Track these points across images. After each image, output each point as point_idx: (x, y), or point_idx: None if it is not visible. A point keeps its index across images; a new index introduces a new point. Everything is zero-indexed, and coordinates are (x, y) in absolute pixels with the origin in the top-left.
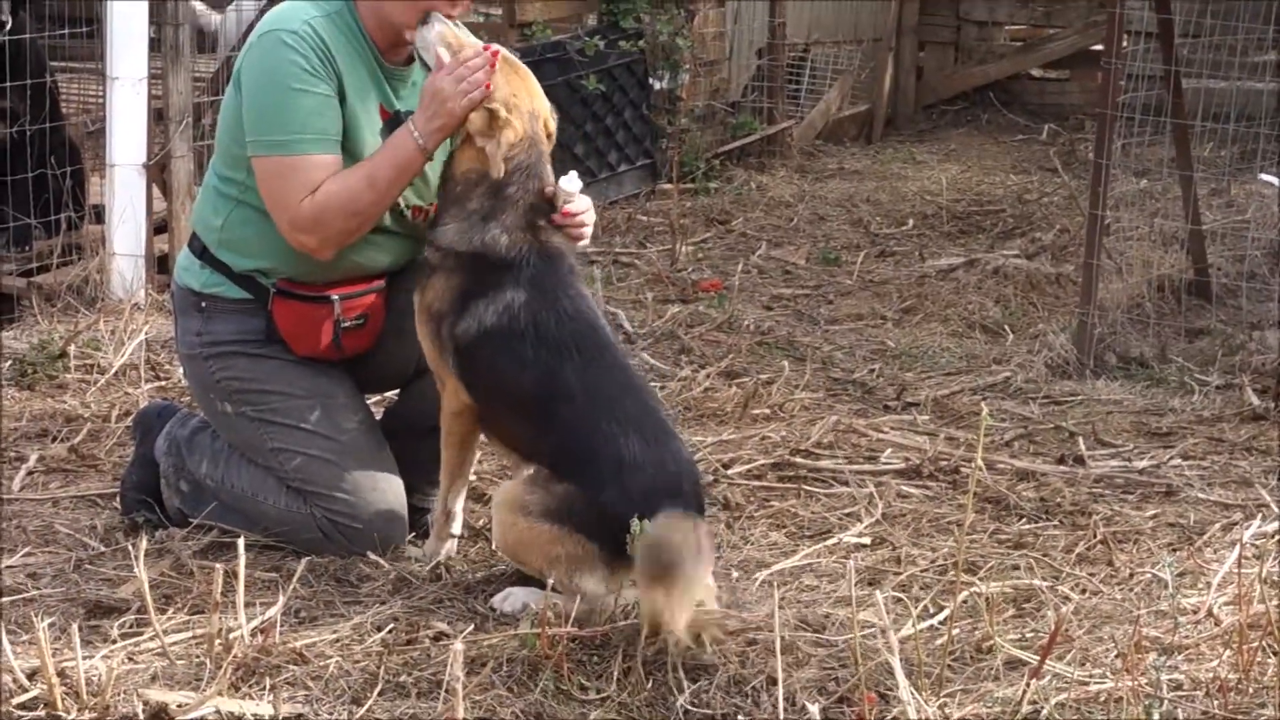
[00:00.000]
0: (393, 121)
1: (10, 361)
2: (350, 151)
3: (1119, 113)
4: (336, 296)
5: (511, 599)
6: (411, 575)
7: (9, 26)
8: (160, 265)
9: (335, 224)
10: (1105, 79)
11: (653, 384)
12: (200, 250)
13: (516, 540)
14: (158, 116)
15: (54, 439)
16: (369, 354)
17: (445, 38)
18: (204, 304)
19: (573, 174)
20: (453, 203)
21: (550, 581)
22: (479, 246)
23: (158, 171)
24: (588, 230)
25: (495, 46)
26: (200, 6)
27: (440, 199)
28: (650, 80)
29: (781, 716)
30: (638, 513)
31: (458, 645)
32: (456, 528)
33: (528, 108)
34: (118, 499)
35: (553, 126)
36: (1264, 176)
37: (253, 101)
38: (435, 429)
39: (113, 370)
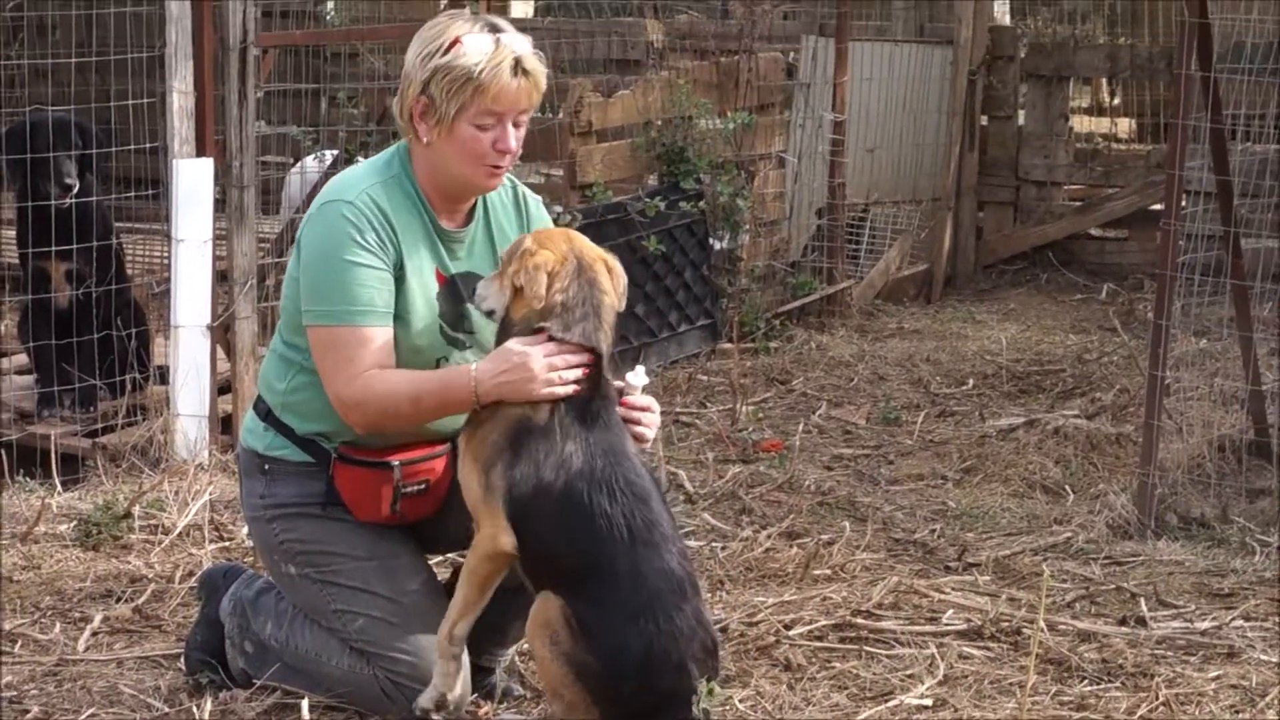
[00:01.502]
0: (449, 285)
1: (75, 522)
2: (404, 320)
3: (1178, 273)
4: (397, 462)
5: None
6: None
7: (76, 189)
8: (224, 426)
9: (373, 417)
10: (1164, 239)
11: (714, 544)
12: (265, 413)
13: (537, 655)
14: (221, 278)
15: (118, 599)
16: (432, 517)
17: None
18: (268, 466)
19: (639, 368)
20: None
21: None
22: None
23: (222, 333)
24: (649, 430)
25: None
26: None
27: (496, 343)
28: (710, 240)
29: None
30: (653, 711)
31: None
32: (461, 650)
33: (565, 247)
34: (182, 659)
35: (616, 265)
36: None
37: (308, 272)
38: (502, 589)
39: (177, 531)
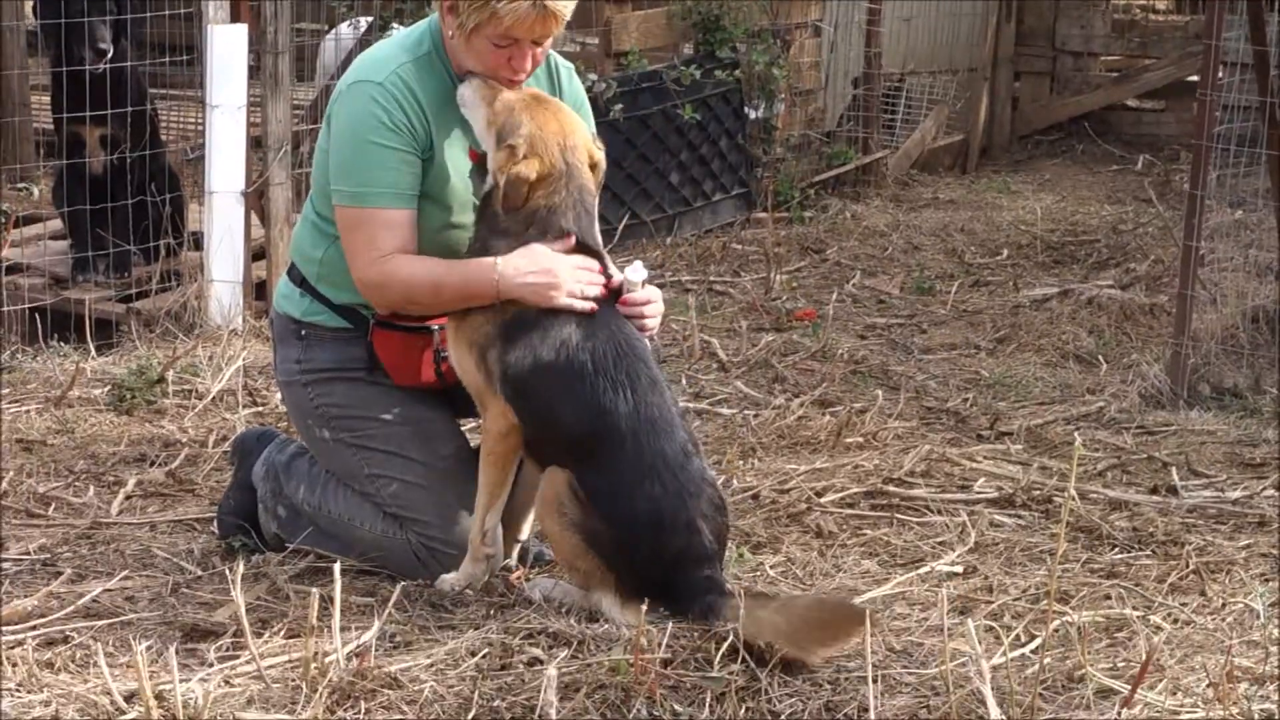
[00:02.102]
0: (482, 163)
1: (109, 387)
2: (437, 198)
3: (1214, 144)
4: (436, 327)
5: (539, 587)
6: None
7: (110, 54)
8: (258, 292)
9: (393, 299)
10: (1201, 110)
11: (746, 412)
12: (300, 280)
13: (548, 531)
14: (256, 144)
15: (151, 464)
16: None
17: (479, 92)
18: (304, 332)
19: (637, 263)
20: (492, 232)
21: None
22: None
23: (255, 199)
24: (651, 321)
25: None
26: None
27: (478, 224)
28: (746, 109)
29: None
30: (664, 575)
31: (551, 671)
32: (493, 548)
33: (556, 145)
34: (215, 523)
35: (599, 156)
36: None
37: (336, 151)
38: None
39: (210, 396)
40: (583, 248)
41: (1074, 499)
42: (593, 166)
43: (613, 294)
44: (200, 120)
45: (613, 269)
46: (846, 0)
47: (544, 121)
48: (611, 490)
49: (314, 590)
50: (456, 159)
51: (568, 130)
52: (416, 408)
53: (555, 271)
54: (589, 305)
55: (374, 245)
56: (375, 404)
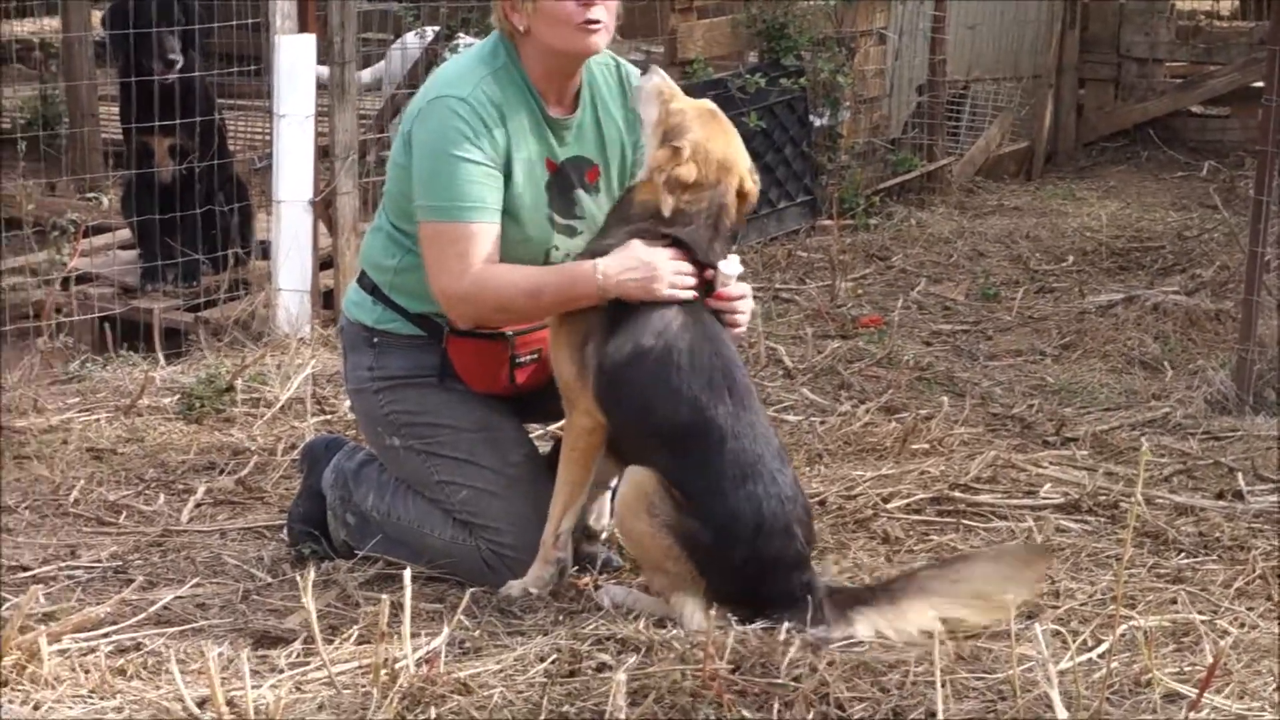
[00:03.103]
0: (558, 174)
1: (178, 395)
2: (513, 212)
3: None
4: (511, 332)
5: (609, 595)
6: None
7: (179, 65)
8: (325, 301)
9: (484, 312)
10: (1265, 115)
11: (812, 419)
12: (372, 288)
13: (635, 533)
14: (323, 153)
15: (221, 471)
16: (541, 387)
17: (660, 90)
18: (376, 339)
19: (734, 258)
20: (622, 223)
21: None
22: None
23: (323, 208)
24: (743, 317)
25: (706, 103)
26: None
27: (609, 218)
28: (811, 117)
29: None
30: (761, 577)
31: (620, 677)
32: (565, 552)
33: (717, 159)
34: (284, 531)
35: (751, 186)
36: None
37: (420, 166)
38: (606, 455)
39: (279, 404)
40: (694, 263)
41: (1140, 504)
42: (742, 195)
43: (706, 290)
44: (267, 130)
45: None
46: (912, 5)
47: (712, 134)
48: (711, 489)
49: (384, 597)
50: (533, 171)
51: (731, 151)
52: (487, 415)
53: (655, 265)
54: (690, 294)
55: (462, 258)
56: (446, 411)
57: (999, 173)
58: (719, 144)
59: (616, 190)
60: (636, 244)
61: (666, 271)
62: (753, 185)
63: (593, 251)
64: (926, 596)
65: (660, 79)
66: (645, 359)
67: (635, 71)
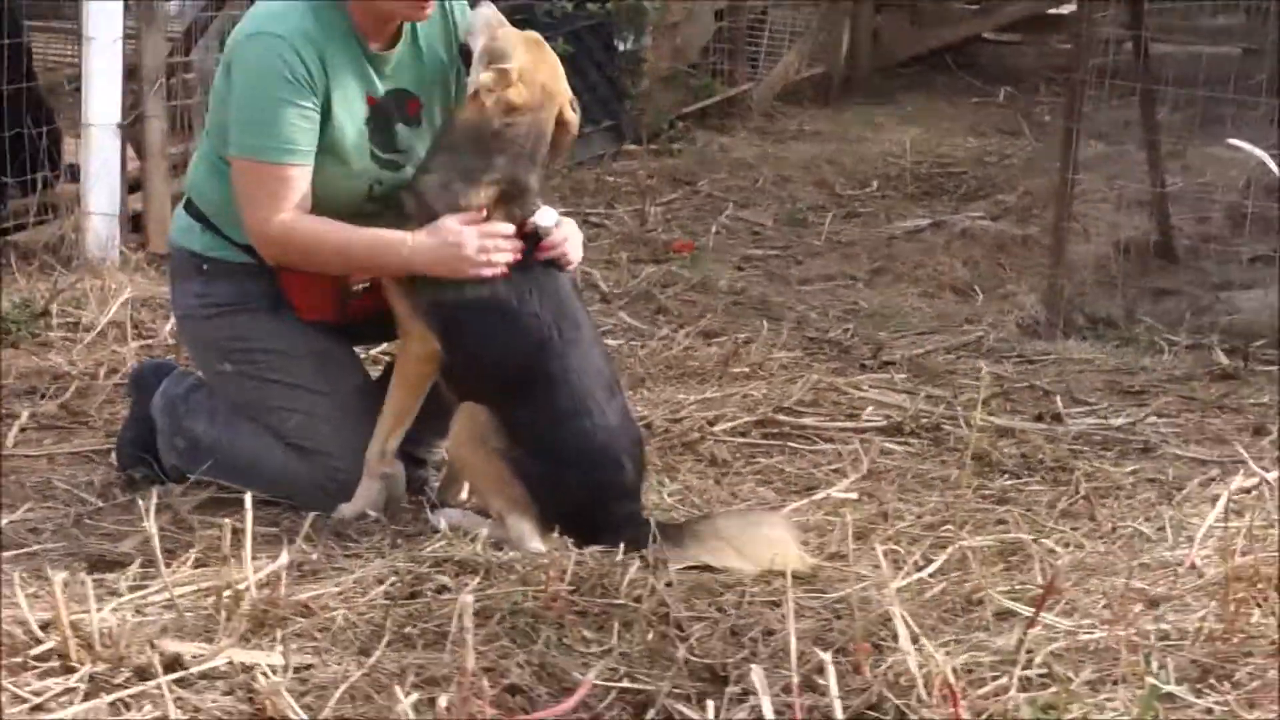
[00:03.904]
0: (378, 107)
1: None
2: (335, 150)
3: (1088, 77)
4: None
5: (446, 517)
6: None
7: None
8: (134, 224)
9: (291, 258)
10: (1076, 42)
11: (632, 343)
12: (199, 215)
13: (469, 460)
14: (130, 75)
15: (43, 396)
16: (371, 315)
17: (489, 20)
18: (205, 266)
19: (545, 209)
20: (443, 150)
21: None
22: (458, 207)
23: (131, 131)
24: (573, 254)
25: (532, 33)
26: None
27: (433, 142)
28: (615, 42)
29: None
30: (588, 508)
31: (466, 598)
32: (392, 469)
33: (543, 82)
34: (114, 455)
35: (570, 115)
36: (1233, 142)
37: (237, 103)
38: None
39: (98, 328)
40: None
41: (977, 421)
42: (561, 123)
43: (531, 239)
44: (71, 52)
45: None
46: None
47: (537, 60)
48: (542, 424)
49: (225, 520)
50: (353, 109)
51: (554, 78)
52: (319, 340)
53: (462, 245)
54: (499, 270)
55: (274, 199)
56: (277, 337)
57: (798, 98)
58: (544, 70)
59: (439, 119)
60: (445, 221)
61: (473, 250)
62: (572, 115)
63: (414, 185)
64: (724, 540)
65: (490, 11)
66: (474, 307)
67: (460, 3)
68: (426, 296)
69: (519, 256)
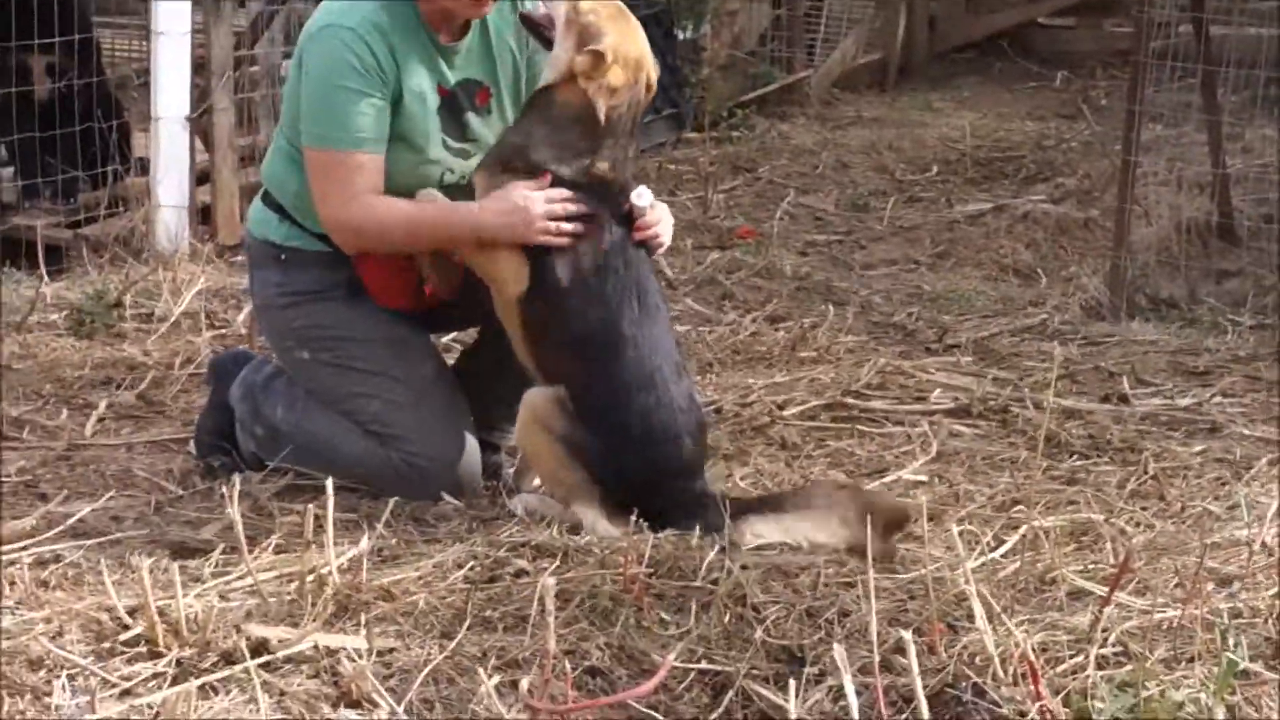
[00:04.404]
0: (450, 99)
1: (66, 311)
2: (408, 139)
3: (1150, 59)
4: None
5: (523, 502)
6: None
7: None
8: (203, 216)
9: (368, 242)
10: (1138, 27)
11: (700, 329)
12: (276, 206)
13: (535, 448)
14: (197, 69)
15: (119, 386)
16: (450, 301)
17: None
18: (283, 255)
19: (642, 188)
20: (545, 123)
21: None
22: (579, 177)
23: (199, 124)
24: (665, 239)
25: (616, 3)
26: None
27: (527, 113)
28: (675, 30)
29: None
30: (649, 485)
31: (549, 581)
32: None
33: (635, 57)
34: (192, 443)
35: (654, 78)
36: None
37: (308, 94)
38: (514, 366)
39: (171, 319)
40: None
41: (1041, 408)
42: (648, 88)
43: (626, 219)
44: (141, 48)
45: (634, 196)
46: None
47: (627, 34)
48: (605, 401)
49: (308, 506)
50: (425, 99)
51: (643, 50)
52: (395, 328)
53: (529, 210)
54: (565, 240)
55: (346, 186)
56: (355, 324)
57: (855, 84)
58: (633, 43)
59: (509, 109)
60: (512, 187)
61: (539, 215)
62: (655, 76)
63: (501, 147)
64: (806, 515)
65: None
66: (569, 259)
67: None
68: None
69: (586, 226)
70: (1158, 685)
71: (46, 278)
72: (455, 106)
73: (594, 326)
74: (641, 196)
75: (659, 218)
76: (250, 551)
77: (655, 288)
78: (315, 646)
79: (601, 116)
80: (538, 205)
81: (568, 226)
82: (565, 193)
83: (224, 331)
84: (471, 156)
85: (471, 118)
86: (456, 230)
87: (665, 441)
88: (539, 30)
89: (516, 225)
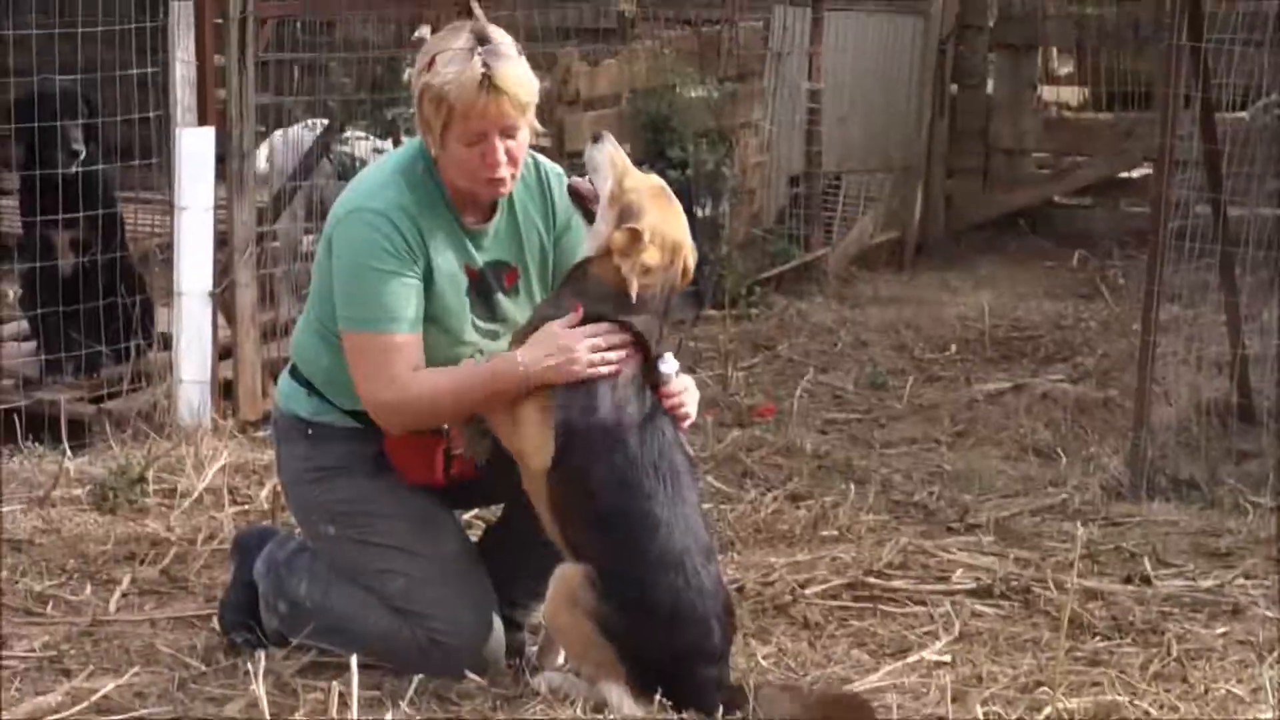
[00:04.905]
0: (479, 280)
1: (89, 486)
2: (439, 319)
3: (1169, 240)
4: (446, 425)
5: (546, 681)
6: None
7: (83, 156)
8: (225, 391)
9: (412, 418)
10: (1155, 208)
11: (721, 506)
12: (305, 381)
13: (561, 623)
14: (219, 244)
15: (142, 561)
16: (473, 477)
17: (614, 160)
18: (310, 430)
19: (668, 355)
20: (577, 296)
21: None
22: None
23: (221, 299)
24: (689, 409)
25: (656, 180)
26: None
27: (563, 285)
28: (694, 208)
29: None
30: (675, 668)
31: None
32: None
33: (672, 239)
34: (216, 620)
35: (691, 263)
36: None
37: (340, 278)
38: (538, 543)
39: (194, 494)
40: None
41: (1066, 591)
42: (684, 273)
43: (650, 387)
44: (159, 223)
45: (660, 365)
46: (786, 98)
47: (667, 216)
48: (634, 577)
49: (333, 683)
50: (455, 279)
51: (681, 232)
52: (421, 504)
53: (572, 349)
54: (612, 369)
55: (385, 370)
56: (381, 500)
57: (873, 262)
58: (673, 225)
59: (537, 290)
60: (553, 327)
61: (583, 352)
62: (693, 262)
63: (534, 320)
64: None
65: (612, 148)
66: (599, 431)
67: (554, 168)
68: (559, 411)
69: (627, 358)
70: None
71: (69, 452)
72: (484, 288)
73: (622, 505)
74: (666, 363)
75: (684, 387)
76: None
77: (686, 468)
78: None
79: (633, 295)
80: (580, 343)
81: (612, 355)
82: (601, 325)
83: (247, 507)
84: (500, 338)
85: (500, 299)
86: (504, 384)
87: (693, 625)
88: (585, 204)
89: (562, 364)
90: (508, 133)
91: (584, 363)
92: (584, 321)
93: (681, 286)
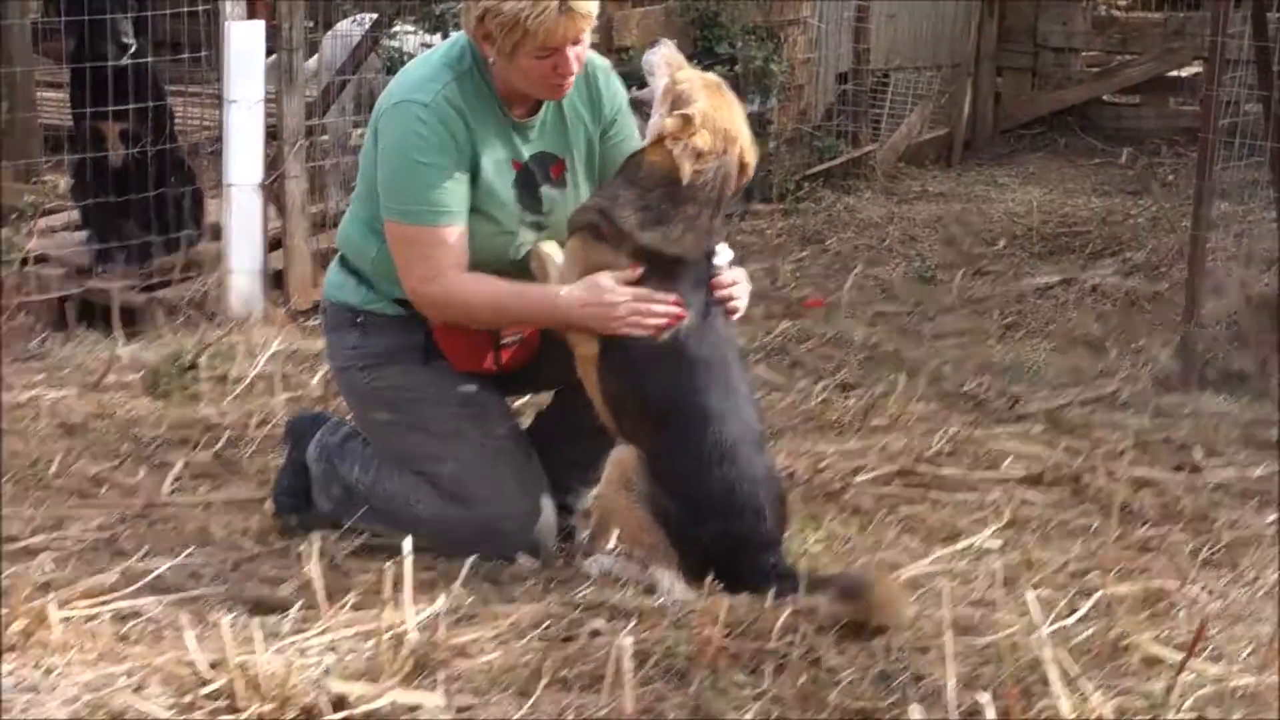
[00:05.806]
0: (524, 172)
1: (142, 372)
2: (485, 210)
3: (1219, 137)
4: None
5: (598, 564)
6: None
7: (133, 49)
8: (275, 281)
9: (450, 318)
10: (1206, 105)
11: (771, 396)
12: (353, 271)
13: (614, 508)
14: (270, 137)
15: (195, 446)
16: (523, 366)
17: (669, 60)
18: (360, 319)
19: (722, 246)
20: (632, 185)
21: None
22: (656, 243)
23: (270, 191)
24: (740, 302)
25: (713, 76)
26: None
27: (618, 175)
28: (742, 103)
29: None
30: (728, 555)
31: (625, 641)
32: None
33: (724, 127)
34: (268, 503)
35: (750, 158)
36: None
37: (385, 169)
38: (588, 430)
39: (246, 381)
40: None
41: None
42: (743, 166)
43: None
44: (208, 117)
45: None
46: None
47: (718, 105)
48: (689, 468)
49: (386, 565)
50: (501, 171)
51: (735, 122)
52: (471, 390)
53: (615, 304)
54: (647, 332)
55: (429, 261)
56: (431, 387)
57: (920, 159)
58: (725, 114)
59: (583, 182)
60: (601, 279)
61: (624, 310)
62: (752, 158)
63: (589, 206)
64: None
65: (668, 50)
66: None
67: (601, 61)
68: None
69: (673, 321)
70: None
71: (123, 339)
72: (529, 180)
73: (674, 397)
74: (721, 255)
75: (736, 279)
76: (328, 609)
77: (738, 359)
78: (393, 703)
79: (685, 177)
80: (624, 304)
81: (652, 322)
82: (654, 294)
83: (299, 394)
84: (545, 229)
85: (546, 190)
86: (539, 314)
87: (745, 513)
88: (647, 113)
89: (598, 313)
90: (576, 41)
91: (621, 319)
92: (637, 251)
93: (740, 182)
